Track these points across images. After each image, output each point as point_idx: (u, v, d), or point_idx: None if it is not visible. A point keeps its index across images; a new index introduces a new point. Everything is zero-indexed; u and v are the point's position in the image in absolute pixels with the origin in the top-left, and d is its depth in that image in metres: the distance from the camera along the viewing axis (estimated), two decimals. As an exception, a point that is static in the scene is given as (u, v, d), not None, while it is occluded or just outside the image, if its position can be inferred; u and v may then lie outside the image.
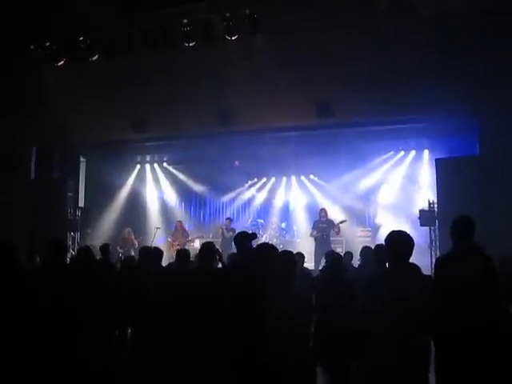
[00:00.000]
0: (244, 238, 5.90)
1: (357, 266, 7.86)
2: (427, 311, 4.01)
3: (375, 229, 15.76)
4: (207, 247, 6.01)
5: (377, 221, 15.89)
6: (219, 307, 5.11)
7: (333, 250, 9.18)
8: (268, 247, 5.55)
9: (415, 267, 4.20)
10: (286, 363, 4.46)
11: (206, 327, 5.14)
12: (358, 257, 7.65)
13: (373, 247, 7.61)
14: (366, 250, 7.35)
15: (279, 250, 5.62)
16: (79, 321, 5.81)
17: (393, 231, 4.36)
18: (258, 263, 5.09)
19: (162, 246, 14.85)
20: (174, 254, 13.96)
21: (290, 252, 5.25)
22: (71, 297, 5.79)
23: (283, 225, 17.38)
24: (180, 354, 5.44)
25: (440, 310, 4.20)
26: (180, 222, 16.35)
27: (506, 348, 4.50)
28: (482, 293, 4.54)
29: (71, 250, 13.69)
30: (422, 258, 8.87)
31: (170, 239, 15.81)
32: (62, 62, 12.82)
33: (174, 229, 16.07)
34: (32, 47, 12.48)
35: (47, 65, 12.94)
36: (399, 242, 4.23)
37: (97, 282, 6.50)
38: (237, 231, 14.68)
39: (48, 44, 12.55)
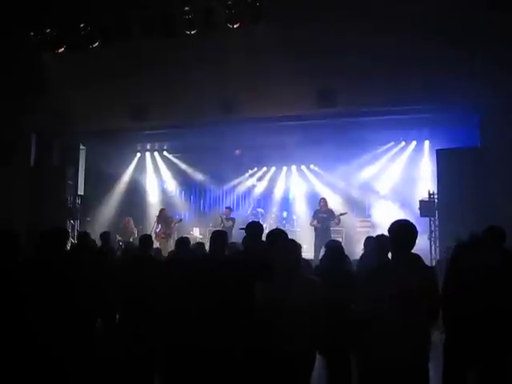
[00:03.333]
0: (260, 228, 5.95)
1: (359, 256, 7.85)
2: (429, 302, 4.00)
3: (375, 219, 15.74)
4: (219, 234, 5.97)
5: (377, 211, 15.86)
6: (221, 294, 5.12)
7: (333, 240, 9.18)
8: (277, 231, 5.52)
9: (417, 257, 4.19)
10: (294, 348, 4.47)
11: (211, 315, 5.14)
12: (362, 247, 7.66)
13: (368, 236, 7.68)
14: (369, 240, 7.34)
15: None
16: (80, 309, 5.80)
17: (397, 220, 4.33)
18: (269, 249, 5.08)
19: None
20: (160, 243, 14.05)
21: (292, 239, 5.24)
22: (72, 285, 5.77)
23: (284, 214, 17.44)
24: (184, 341, 5.43)
25: (450, 296, 4.20)
26: (163, 209, 15.92)
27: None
28: (498, 283, 4.56)
29: (71, 238, 13.67)
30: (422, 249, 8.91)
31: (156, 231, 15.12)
32: (63, 49, 12.75)
33: (158, 217, 15.39)
34: (32, 33, 12.41)
35: (48, 52, 12.89)
36: (403, 231, 4.20)
37: (98, 269, 6.51)
38: (236, 220, 14.94)
39: (48, 31, 12.47)
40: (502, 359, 4.52)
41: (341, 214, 14.10)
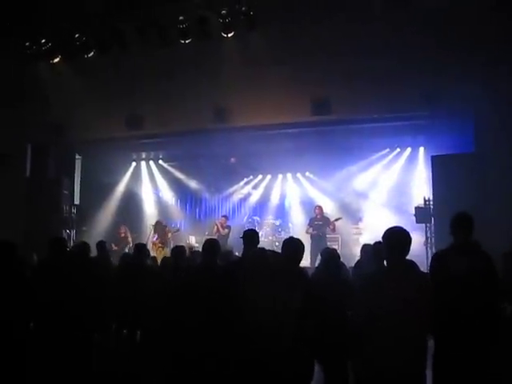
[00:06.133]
0: (254, 236, 5.98)
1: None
2: (426, 308, 4.00)
3: (371, 226, 15.73)
4: (211, 243, 5.98)
5: (372, 218, 15.86)
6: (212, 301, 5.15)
7: (328, 247, 9.21)
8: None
9: (413, 264, 4.20)
10: (275, 347, 4.48)
11: (207, 324, 5.16)
12: (358, 254, 7.68)
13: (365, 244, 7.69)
14: (366, 248, 7.34)
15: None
16: (77, 319, 5.80)
17: (390, 228, 4.34)
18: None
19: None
20: (157, 252, 14.05)
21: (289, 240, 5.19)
22: (69, 295, 5.77)
23: (278, 222, 17.40)
24: (180, 351, 5.43)
25: (436, 305, 4.20)
26: (159, 220, 16.06)
27: (499, 347, 4.53)
28: (479, 289, 4.56)
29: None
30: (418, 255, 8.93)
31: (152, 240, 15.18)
32: (58, 59, 12.79)
33: (154, 228, 15.52)
34: (27, 44, 12.43)
35: (43, 62, 12.91)
36: (397, 238, 4.21)
37: (95, 280, 6.49)
38: (232, 228, 14.93)
39: (43, 41, 12.49)
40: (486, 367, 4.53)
41: (335, 220, 14.17)
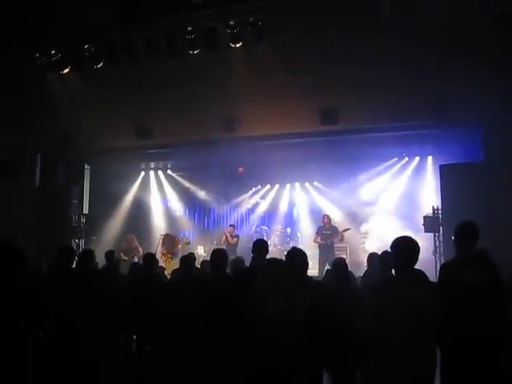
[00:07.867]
0: (262, 246, 6.01)
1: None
2: (434, 318, 4.00)
3: (379, 235, 15.67)
4: (220, 253, 6.00)
5: (381, 227, 15.81)
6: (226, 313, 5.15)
7: (339, 257, 9.20)
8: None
9: (422, 273, 4.20)
10: (284, 359, 4.48)
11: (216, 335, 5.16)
12: (365, 263, 7.68)
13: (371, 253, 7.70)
14: (372, 257, 7.33)
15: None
16: (85, 328, 5.82)
17: (399, 237, 4.35)
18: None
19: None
20: (166, 262, 14.11)
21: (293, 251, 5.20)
22: (78, 303, 5.80)
23: (288, 230, 17.40)
24: (188, 361, 5.44)
25: (445, 316, 4.19)
26: (168, 234, 16.14)
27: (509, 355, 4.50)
28: (487, 300, 4.54)
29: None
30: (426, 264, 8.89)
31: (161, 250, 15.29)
32: (67, 70, 12.88)
33: (163, 240, 15.62)
34: (37, 55, 12.53)
35: (53, 72, 13.00)
36: (405, 248, 4.22)
37: (103, 289, 6.52)
38: (241, 238, 14.94)
39: (53, 52, 12.59)
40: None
41: (344, 230, 14.13)
